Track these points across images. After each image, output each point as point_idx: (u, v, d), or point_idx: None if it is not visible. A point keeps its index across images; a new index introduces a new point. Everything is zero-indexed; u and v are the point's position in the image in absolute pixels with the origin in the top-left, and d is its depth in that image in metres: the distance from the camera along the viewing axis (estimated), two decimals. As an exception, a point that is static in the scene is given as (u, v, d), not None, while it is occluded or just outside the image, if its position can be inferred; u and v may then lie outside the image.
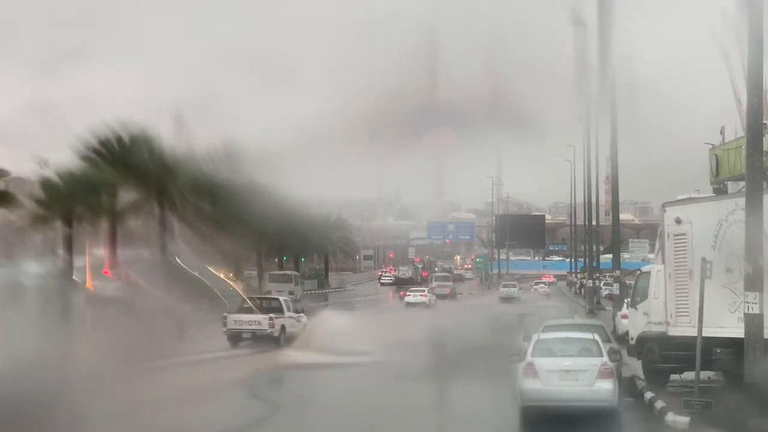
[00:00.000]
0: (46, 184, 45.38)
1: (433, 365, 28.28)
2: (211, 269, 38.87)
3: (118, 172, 42.63)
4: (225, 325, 35.90)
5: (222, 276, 40.00)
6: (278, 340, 35.80)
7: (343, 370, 28.30)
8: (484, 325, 45.06)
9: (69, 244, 44.33)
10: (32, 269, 35.41)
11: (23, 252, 42.61)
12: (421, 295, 65.18)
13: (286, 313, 37.27)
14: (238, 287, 41.06)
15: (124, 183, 42.97)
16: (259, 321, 35.87)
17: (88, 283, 38.45)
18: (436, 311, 60.79)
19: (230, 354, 34.08)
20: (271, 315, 36.33)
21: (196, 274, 37.91)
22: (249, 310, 36.60)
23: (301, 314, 38.79)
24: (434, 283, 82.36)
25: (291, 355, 32.49)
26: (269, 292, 55.26)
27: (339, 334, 33.48)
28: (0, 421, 15.84)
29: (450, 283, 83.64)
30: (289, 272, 71.84)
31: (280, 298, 39.55)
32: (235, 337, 35.83)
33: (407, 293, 66.86)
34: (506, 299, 75.58)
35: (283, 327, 36.41)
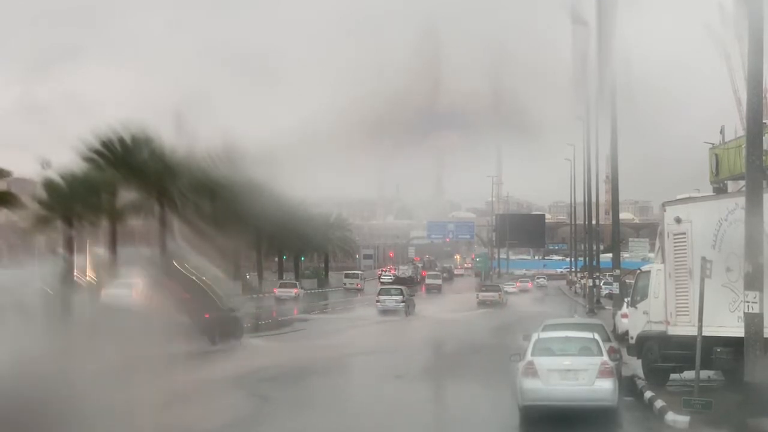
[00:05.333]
0: (48, 185, 45.25)
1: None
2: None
3: (119, 173, 42.50)
4: (478, 297, 67.59)
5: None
6: (501, 304, 65.86)
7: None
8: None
9: (70, 245, 44.29)
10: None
11: (26, 252, 42.56)
12: (512, 288, 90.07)
13: (502, 290, 70.56)
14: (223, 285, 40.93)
15: (125, 183, 42.85)
16: (494, 295, 68.16)
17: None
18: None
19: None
20: (499, 291, 69.73)
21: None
22: (488, 289, 71.30)
23: (503, 291, 71.84)
24: (428, 280, 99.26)
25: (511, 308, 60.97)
26: (344, 284, 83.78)
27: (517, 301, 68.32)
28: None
29: (440, 281, 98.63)
30: (358, 271, 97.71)
31: (500, 286, 75.27)
32: (482, 304, 64.45)
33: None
34: (521, 291, 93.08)
35: (500, 296, 67.96)
